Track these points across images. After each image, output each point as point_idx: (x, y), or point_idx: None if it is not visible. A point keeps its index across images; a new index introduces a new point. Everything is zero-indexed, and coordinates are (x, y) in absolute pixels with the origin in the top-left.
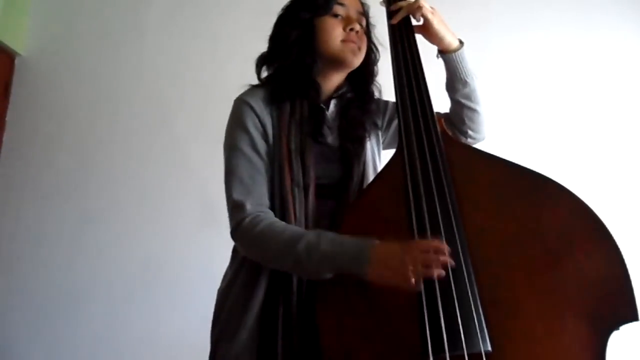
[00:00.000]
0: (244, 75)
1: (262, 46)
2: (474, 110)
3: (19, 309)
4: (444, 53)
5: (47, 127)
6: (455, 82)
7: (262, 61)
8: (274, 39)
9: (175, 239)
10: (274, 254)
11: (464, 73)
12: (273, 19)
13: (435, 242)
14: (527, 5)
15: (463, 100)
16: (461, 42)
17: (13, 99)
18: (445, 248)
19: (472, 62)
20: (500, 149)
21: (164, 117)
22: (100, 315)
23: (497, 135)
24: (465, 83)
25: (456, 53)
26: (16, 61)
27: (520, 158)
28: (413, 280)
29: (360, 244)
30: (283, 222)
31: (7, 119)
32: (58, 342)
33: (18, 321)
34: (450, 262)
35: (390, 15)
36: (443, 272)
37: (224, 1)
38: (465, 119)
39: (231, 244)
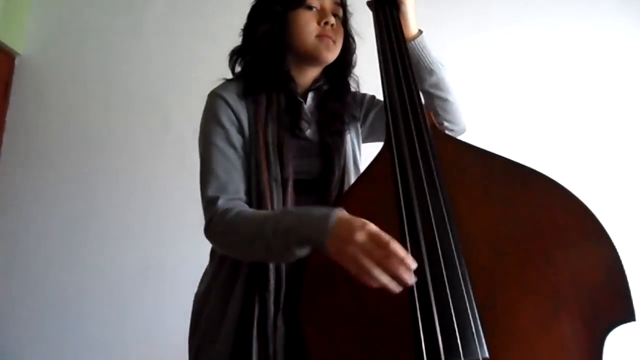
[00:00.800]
0: None
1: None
2: (444, 100)
3: (19, 309)
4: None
5: (47, 127)
6: (420, 71)
7: (235, 55)
8: (245, 31)
9: (175, 239)
10: (245, 240)
11: (428, 61)
12: None
13: (405, 256)
14: (527, 5)
15: (432, 90)
16: (420, 31)
17: (13, 99)
18: (411, 264)
19: (436, 52)
20: (501, 147)
21: (164, 117)
22: (100, 315)
23: (497, 132)
24: (430, 72)
25: (416, 40)
26: (16, 61)
27: (521, 155)
28: (368, 278)
29: (326, 215)
30: (252, 210)
31: (7, 119)
32: (58, 342)
33: (18, 321)
34: (411, 281)
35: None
36: (398, 289)
37: (223, 1)
38: (438, 109)
39: None
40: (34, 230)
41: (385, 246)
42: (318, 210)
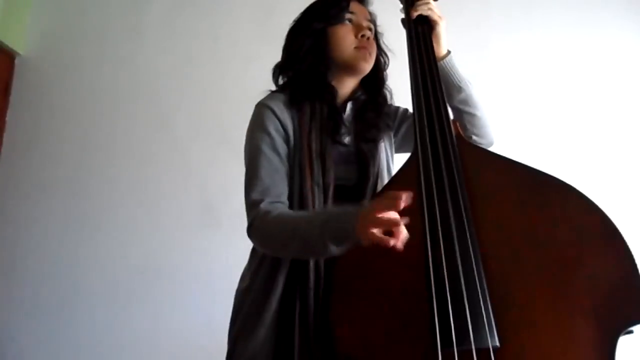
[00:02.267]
0: (244, 75)
1: (262, 46)
2: (473, 115)
3: (19, 309)
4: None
5: (47, 127)
6: (449, 89)
7: (278, 70)
8: (288, 48)
9: (175, 239)
10: (284, 237)
11: (456, 79)
12: (273, 19)
13: (394, 194)
14: (527, 5)
15: (460, 106)
16: (449, 51)
17: (13, 99)
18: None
19: (464, 70)
20: (502, 148)
21: (164, 117)
22: (100, 315)
23: (498, 134)
24: (459, 89)
25: (445, 60)
26: (16, 61)
27: (521, 157)
28: (369, 239)
29: (356, 207)
30: (293, 211)
31: (7, 119)
32: (58, 342)
33: (18, 321)
34: (396, 219)
35: (408, 13)
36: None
37: (224, 1)
38: (467, 124)
39: (232, 244)
40: (34, 229)
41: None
42: (351, 206)
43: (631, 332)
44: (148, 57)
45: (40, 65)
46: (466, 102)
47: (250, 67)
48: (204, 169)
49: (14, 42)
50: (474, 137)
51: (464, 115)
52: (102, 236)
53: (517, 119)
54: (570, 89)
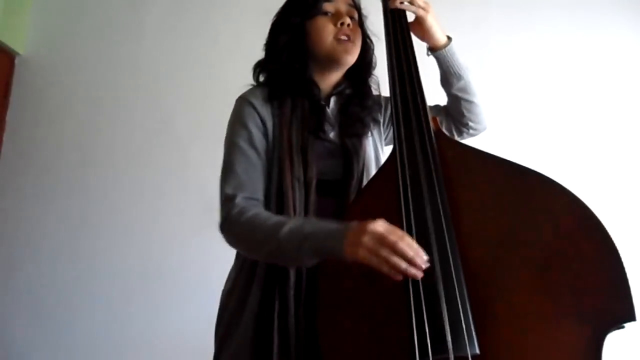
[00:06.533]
0: (244, 75)
1: (262, 46)
2: (471, 102)
3: (19, 309)
4: (434, 50)
5: (47, 127)
6: (449, 77)
7: (258, 67)
8: (267, 45)
9: (175, 240)
10: (258, 241)
11: (456, 67)
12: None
13: (417, 247)
14: (527, 5)
15: (459, 94)
16: (449, 38)
17: (13, 99)
18: (422, 255)
19: (462, 56)
20: (500, 148)
21: (164, 117)
22: (100, 315)
23: (496, 134)
24: (459, 77)
25: (446, 49)
26: (16, 61)
27: (519, 157)
28: (386, 268)
29: (343, 224)
30: (269, 213)
31: (7, 119)
32: (58, 342)
33: (18, 321)
34: (418, 272)
35: (386, 9)
36: (419, 274)
37: (224, 1)
38: (464, 111)
39: None
40: (34, 230)
41: (395, 233)
42: (335, 223)
43: (622, 327)
44: (148, 57)
45: (40, 65)
46: (465, 89)
47: (250, 68)
48: (204, 169)
49: (14, 42)
50: (470, 124)
51: (462, 103)
52: (101, 236)
53: (516, 119)
54: (570, 89)
